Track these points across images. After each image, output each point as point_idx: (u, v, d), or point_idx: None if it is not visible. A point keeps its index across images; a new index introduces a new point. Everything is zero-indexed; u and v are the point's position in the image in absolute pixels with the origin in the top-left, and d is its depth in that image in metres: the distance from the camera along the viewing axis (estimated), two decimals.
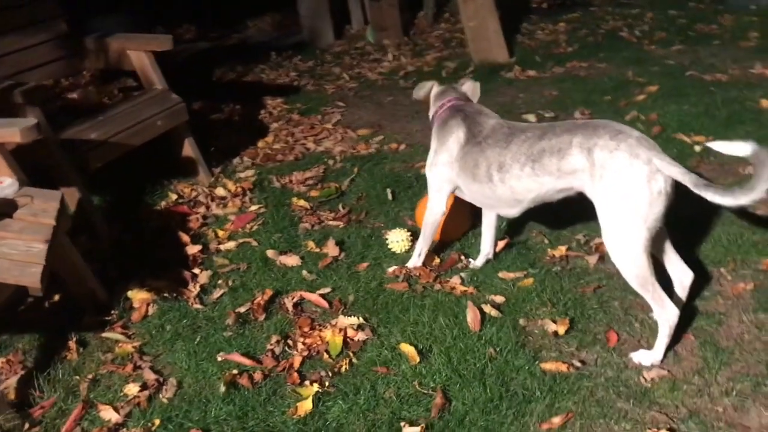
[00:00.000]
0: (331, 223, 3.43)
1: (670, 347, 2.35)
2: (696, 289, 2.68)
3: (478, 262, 2.97)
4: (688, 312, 2.55)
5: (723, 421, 2.09)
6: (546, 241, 3.09)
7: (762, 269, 2.75)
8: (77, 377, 2.52)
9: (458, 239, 3.16)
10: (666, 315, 2.29)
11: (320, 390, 2.34)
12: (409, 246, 3.10)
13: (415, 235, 3.13)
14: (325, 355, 2.52)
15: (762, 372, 2.25)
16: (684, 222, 3.06)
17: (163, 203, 3.68)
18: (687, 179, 2.13)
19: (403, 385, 2.32)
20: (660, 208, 2.20)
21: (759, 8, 6.51)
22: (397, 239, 3.12)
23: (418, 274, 2.90)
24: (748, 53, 5.35)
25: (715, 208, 3.14)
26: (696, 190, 2.12)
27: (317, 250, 3.20)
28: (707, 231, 3.03)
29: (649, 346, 2.40)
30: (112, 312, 2.85)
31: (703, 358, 2.34)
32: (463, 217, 3.13)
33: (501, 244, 3.05)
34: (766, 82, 4.67)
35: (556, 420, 2.13)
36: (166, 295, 2.91)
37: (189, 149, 3.85)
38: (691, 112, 4.21)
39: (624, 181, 2.19)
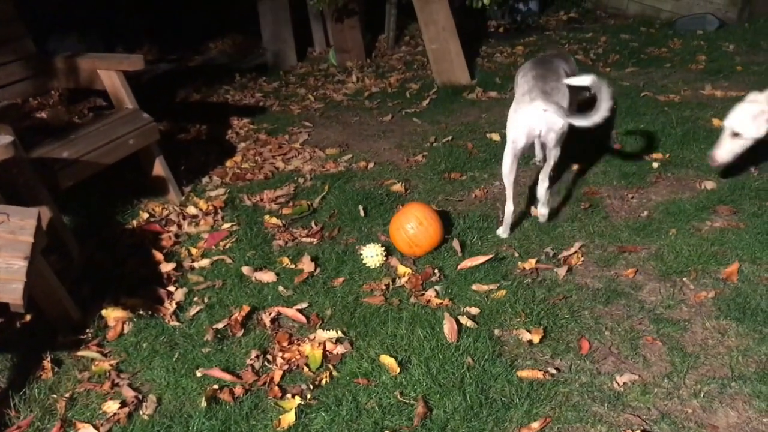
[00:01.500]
0: (304, 239, 3.47)
1: None
2: (662, 297, 2.80)
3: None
4: (654, 319, 2.67)
5: (693, 421, 2.19)
6: (516, 255, 3.17)
7: (721, 278, 2.88)
8: (54, 396, 2.50)
9: (431, 252, 3.22)
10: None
11: (302, 403, 2.37)
12: (383, 260, 3.15)
13: (388, 249, 3.19)
14: (305, 369, 2.55)
15: (727, 374, 2.36)
16: (650, 236, 3.21)
17: (134, 222, 3.66)
18: (560, 112, 2.94)
19: (385, 396, 2.37)
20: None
21: (705, 33, 6.82)
22: (371, 254, 3.15)
23: None
24: (698, 75, 5.59)
25: (678, 223, 3.29)
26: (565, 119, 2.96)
27: (292, 266, 3.23)
28: (670, 244, 3.15)
29: (620, 353, 2.50)
30: (87, 331, 2.83)
31: (671, 362, 2.44)
32: (437, 230, 3.20)
33: (482, 258, 3.13)
34: (716, 102, 4.88)
35: (535, 425, 2.20)
36: (141, 312, 2.90)
37: (159, 168, 3.84)
38: (648, 131, 4.38)
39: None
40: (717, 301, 2.75)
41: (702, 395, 2.28)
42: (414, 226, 3.14)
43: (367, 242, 3.31)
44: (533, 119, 3.03)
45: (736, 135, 3.33)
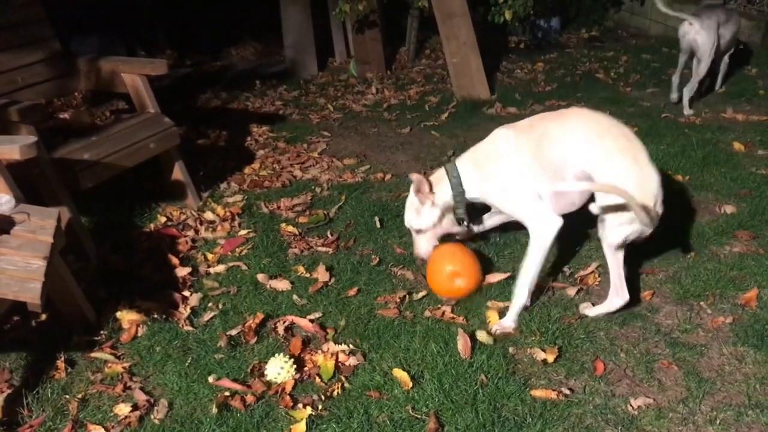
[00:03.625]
0: (320, 249, 3.47)
1: None
2: (678, 321, 2.78)
3: None
4: (670, 342, 2.64)
5: None
6: None
7: (739, 303, 2.85)
8: (66, 396, 2.50)
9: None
10: None
11: (313, 413, 2.36)
12: (293, 373, 2.54)
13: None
14: (318, 379, 2.54)
15: (743, 402, 2.33)
16: (667, 258, 3.18)
17: (152, 225, 3.68)
18: None
19: (396, 410, 2.35)
20: None
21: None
22: (276, 371, 2.53)
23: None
24: (720, 97, 5.57)
25: (697, 247, 3.26)
26: None
27: (307, 275, 3.23)
28: (688, 267, 3.13)
29: (634, 376, 2.48)
30: (101, 332, 2.84)
31: (686, 387, 2.42)
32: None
33: (499, 276, 3.11)
34: (737, 125, 4.86)
35: None
36: (155, 316, 2.91)
37: (179, 173, 3.87)
38: (669, 152, 4.35)
39: None
40: (735, 327, 2.72)
41: (718, 422, 2.25)
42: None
43: (383, 254, 3.30)
44: None
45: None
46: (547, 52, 7.47)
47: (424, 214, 2.97)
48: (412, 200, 2.99)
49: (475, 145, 2.95)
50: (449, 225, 3.03)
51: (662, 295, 2.97)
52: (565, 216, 2.75)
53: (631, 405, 2.34)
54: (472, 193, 2.89)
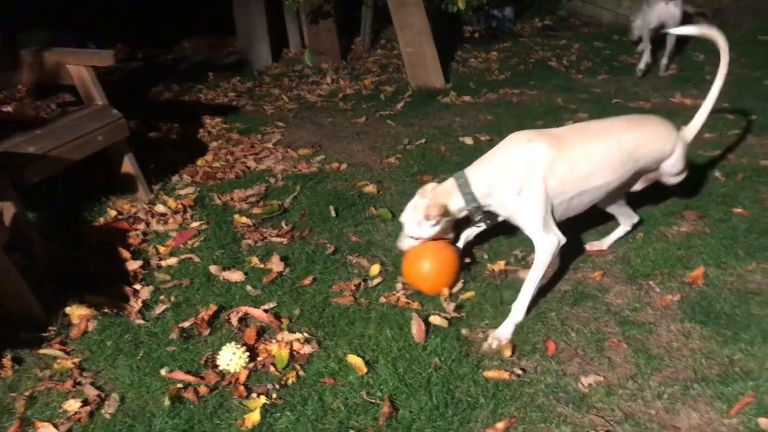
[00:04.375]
0: (274, 239, 3.45)
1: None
2: (628, 300, 2.83)
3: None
4: (620, 321, 2.69)
5: (656, 422, 2.20)
6: (486, 257, 3.19)
7: (687, 282, 2.92)
8: (13, 395, 2.45)
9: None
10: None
11: (268, 402, 2.34)
12: (246, 360, 2.54)
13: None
14: (272, 369, 2.53)
15: (690, 376, 2.39)
16: (617, 240, 3.24)
17: (101, 219, 3.61)
18: None
19: (351, 395, 2.35)
20: None
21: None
22: (228, 359, 2.52)
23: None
24: (669, 83, 5.67)
25: (645, 228, 3.32)
26: None
27: (261, 265, 3.20)
28: (638, 248, 3.19)
29: (585, 355, 2.52)
30: (50, 328, 2.78)
31: (635, 364, 2.46)
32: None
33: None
34: (686, 110, 4.94)
35: (500, 425, 2.20)
36: (106, 310, 2.86)
37: (129, 165, 3.80)
38: None
39: None
40: (682, 305, 2.78)
41: (665, 397, 2.30)
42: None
43: (338, 243, 3.30)
44: None
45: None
46: (501, 41, 7.51)
47: (425, 227, 2.85)
48: (416, 207, 2.86)
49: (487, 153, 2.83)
50: (442, 233, 2.94)
51: (612, 275, 3.02)
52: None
53: (581, 383, 2.38)
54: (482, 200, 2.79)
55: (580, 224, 3.18)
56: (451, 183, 2.81)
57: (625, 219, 3.22)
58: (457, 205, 2.79)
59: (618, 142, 2.78)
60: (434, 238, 2.93)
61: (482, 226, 3.01)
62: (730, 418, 2.19)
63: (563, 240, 2.70)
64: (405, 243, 2.99)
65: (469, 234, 3.11)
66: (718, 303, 2.76)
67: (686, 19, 5.74)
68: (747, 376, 2.35)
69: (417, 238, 2.93)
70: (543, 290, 2.90)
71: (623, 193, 3.05)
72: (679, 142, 2.95)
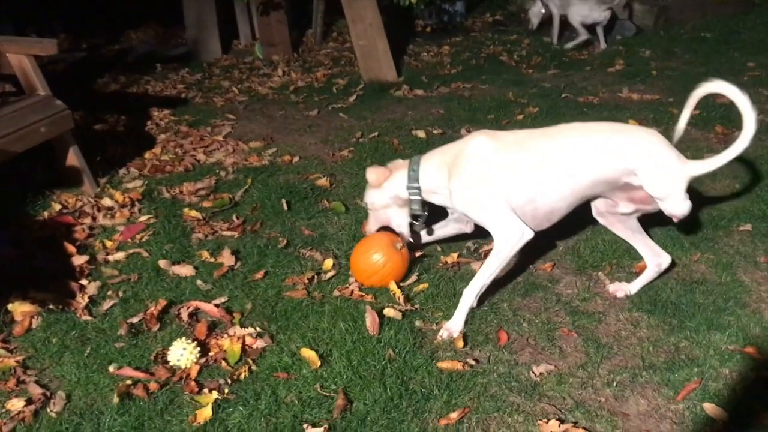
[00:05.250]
0: (225, 233, 3.39)
1: None
2: (578, 290, 2.88)
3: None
4: (570, 311, 2.74)
5: (605, 410, 2.25)
6: (439, 249, 3.20)
7: (635, 272, 2.98)
8: None
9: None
10: None
11: (219, 397, 2.31)
12: (196, 355, 2.49)
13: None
14: (224, 363, 2.49)
15: (638, 364, 2.44)
16: (567, 231, 3.28)
17: (45, 213, 3.51)
18: None
19: (305, 389, 2.34)
20: None
21: (623, 38, 7.07)
22: (179, 353, 2.47)
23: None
24: (616, 78, 5.79)
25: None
26: None
27: (212, 260, 3.15)
28: (587, 239, 3.24)
29: (537, 344, 2.55)
30: None
31: (586, 353, 2.51)
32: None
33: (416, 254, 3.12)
34: (633, 104, 5.06)
35: (454, 415, 2.21)
36: (51, 307, 2.78)
37: (73, 158, 3.69)
38: None
39: None
40: (630, 294, 2.84)
41: (615, 384, 2.35)
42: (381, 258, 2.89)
43: (291, 236, 3.27)
44: None
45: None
46: (453, 35, 7.56)
47: (375, 193, 2.91)
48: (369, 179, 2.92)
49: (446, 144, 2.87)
50: (398, 218, 2.94)
51: (562, 266, 3.07)
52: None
53: (533, 372, 2.41)
54: (437, 191, 2.79)
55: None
56: (404, 161, 2.92)
57: (651, 257, 2.87)
58: (401, 180, 2.84)
59: (565, 142, 2.66)
60: (387, 225, 2.97)
61: (421, 224, 2.96)
62: (676, 403, 2.25)
63: (529, 234, 2.63)
64: (369, 222, 3.02)
65: (435, 233, 3.12)
66: (664, 292, 2.83)
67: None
68: (692, 362, 2.42)
69: (372, 210, 2.97)
70: (495, 282, 2.93)
71: (634, 220, 2.86)
72: (650, 163, 2.58)
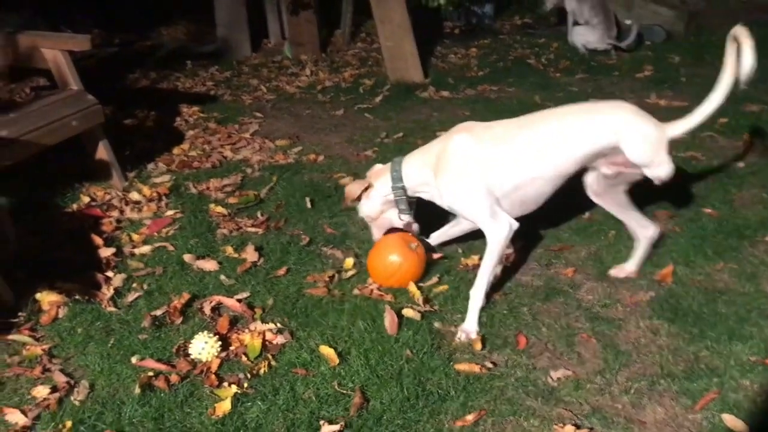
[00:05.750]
0: (249, 229, 3.44)
1: None
2: (598, 297, 2.87)
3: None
4: (590, 317, 2.73)
5: (622, 416, 2.24)
6: (459, 251, 3.21)
7: (656, 279, 2.96)
8: None
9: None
10: None
11: (239, 391, 2.35)
12: (217, 349, 2.53)
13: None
14: (244, 358, 2.53)
15: (657, 372, 2.43)
16: (590, 237, 3.28)
17: (74, 206, 3.58)
18: None
19: (322, 386, 2.36)
20: None
21: (653, 44, 7.00)
22: (200, 347, 2.52)
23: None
24: (644, 84, 5.74)
25: (618, 225, 3.37)
26: None
27: (236, 255, 3.20)
28: (609, 245, 3.23)
29: (555, 349, 2.55)
30: (19, 314, 2.76)
31: (604, 359, 2.50)
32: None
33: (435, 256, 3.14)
34: (660, 110, 5.01)
35: (470, 417, 2.22)
36: (77, 297, 2.84)
37: (103, 152, 3.76)
38: None
39: None
40: (651, 302, 2.83)
41: (632, 392, 2.34)
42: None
43: (313, 234, 3.30)
44: None
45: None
46: (481, 37, 7.54)
47: (365, 204, 2.97)
48: (352, 194, 2.99)
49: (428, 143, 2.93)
50: (396, 219, 2.99)
51: (584, 272, 3.06)
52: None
53: (551, 377, 2.41)
54: (423, 189, 2.86)
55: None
56: (383, 165, 3.00)
57: (639, 230, 2.99)
58: (386, 183, 2.90)
59: (547, 130, 2.73)
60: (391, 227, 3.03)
61: (410, 219, 2.98)
62: (694, 413, 2.24)
63: (515, 225, 2.71)
64: (372, 232, 3.07)
65: (444, 232, 3.14)
66: (685, 301, 2.81)
67: None
68: (712, 372, 2.40)
69: (370, 220, 3.02)
70: (516, 285, 2.94)
71: (622, 192, 2.92)
72: (630, 134, 2.67)
